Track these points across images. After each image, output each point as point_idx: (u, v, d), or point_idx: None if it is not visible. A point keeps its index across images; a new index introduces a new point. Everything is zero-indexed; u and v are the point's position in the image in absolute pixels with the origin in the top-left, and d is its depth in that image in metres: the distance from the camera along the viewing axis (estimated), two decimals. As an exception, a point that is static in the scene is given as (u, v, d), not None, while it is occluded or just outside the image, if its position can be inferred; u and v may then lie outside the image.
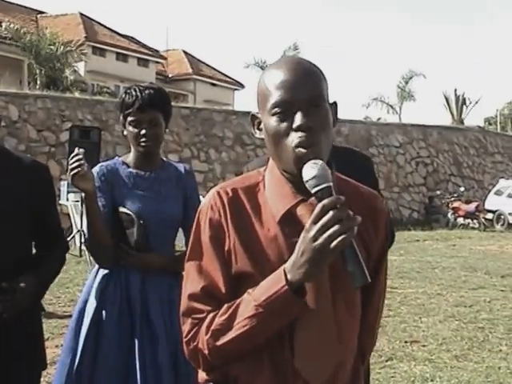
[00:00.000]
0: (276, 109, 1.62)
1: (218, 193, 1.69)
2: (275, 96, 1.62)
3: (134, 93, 2.95)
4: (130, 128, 2.98)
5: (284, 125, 1.61)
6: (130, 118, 2.96)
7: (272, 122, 1.63)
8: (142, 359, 2.87)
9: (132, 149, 3.06)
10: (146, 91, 2.96)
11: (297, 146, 1.59)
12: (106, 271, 3.01)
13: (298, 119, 1.59)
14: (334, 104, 1.70)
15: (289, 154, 1.61)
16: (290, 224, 1.63)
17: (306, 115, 1.60)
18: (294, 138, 1.60)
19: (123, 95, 2.99)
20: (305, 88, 1.62)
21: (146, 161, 3.04)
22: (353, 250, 1.50)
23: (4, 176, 2.56)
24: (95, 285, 3.01)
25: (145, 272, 2.97)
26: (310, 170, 1.55)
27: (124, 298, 2.94)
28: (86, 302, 3.00)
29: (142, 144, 2.98)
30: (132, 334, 2.90)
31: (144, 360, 2.87)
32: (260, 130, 1.71)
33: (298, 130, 1.59)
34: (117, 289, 2.96)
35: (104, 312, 2.94)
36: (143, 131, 2.95)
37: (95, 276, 3.05)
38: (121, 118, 3.02)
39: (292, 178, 1.65)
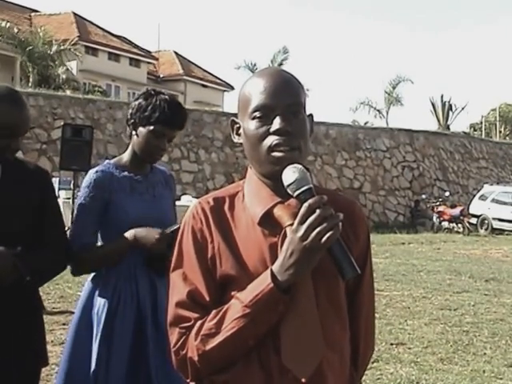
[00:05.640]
0: (256, 113, 1.66)
1: (200, 203, 1.74)
2: (256, 100, 1.67)
3: (169, 107, 2.94)
4: (150, 136, 2.94)
5: (263, 128, 1.65)
6: (153, 128, 2.93)
7: (251, 125, 1.67)
8: (152, 365, 2.86)
9: (129, 151, 3.04)
10: (182, 110, 3.01)
11: (274, 149, 1.64)
12: (110, 279, 2.95)
13: (277, 123, 1.64)
14: (311, 116, 1.75)
15: (266, 157, 1.65)
16: (269, 225, 1.66)
17: (285, 120, 1.64)
18: (272, 140, 1.64)
19: (153, 102, 2.94)
20: (285, 94, 1.67)
21: (142, 165, 3.04)
22: (340, 245, 1.54)
23: (12, 177, 2.60)
24: (98, 291, 2.95)
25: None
26: (290, 175, 1.59)
27: (135, 303, 2.92)
28: (89, 309, 2.94)
29: (157, 156, 3.01)
30: (142, 339, 2.88)
31: (155, 367, 2.86)
32: (239, 135, 1.76)
33: (275, 133, 1.64)
34: (127, 294, 2.92)
35: (115, 320, 2.89)
36: (163, 145, 2.97)
37: (97, 282, 2.99)
38: (135, 119, 2.96)
39: (269, 182, 1.70)
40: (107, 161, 3.09)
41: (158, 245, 2.85)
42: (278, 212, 1.66)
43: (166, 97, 2.97)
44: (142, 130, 2.95)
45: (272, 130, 1.65)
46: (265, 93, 1.67)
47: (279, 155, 1.64)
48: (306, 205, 1.54)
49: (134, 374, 2.87)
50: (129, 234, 2.88)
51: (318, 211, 1.52)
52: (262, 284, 1.58)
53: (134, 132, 2.99)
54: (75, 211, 2.99)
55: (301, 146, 1.67)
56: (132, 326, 2.90)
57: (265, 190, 1.71)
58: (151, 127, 2.93)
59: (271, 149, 1.65)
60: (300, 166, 1.61)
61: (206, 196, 1.78)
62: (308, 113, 1.75)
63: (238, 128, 1.76)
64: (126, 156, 3.07)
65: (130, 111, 3.00)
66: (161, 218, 2.99)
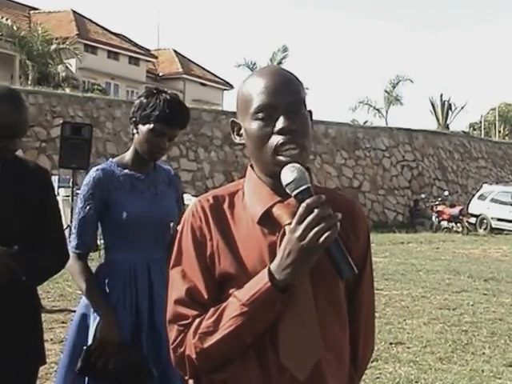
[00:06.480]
0: (259, 113, 1.65)
1: (200, 201, 1.73)
2: (258, 101, 1.66)
3: (169, 106, 2.94)
4: (150, 134, 2.93)
5: (266, 129, 1.64)
6: (153, 126, 2.93)
7: (254, 126, 1.66)
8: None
9: (132, 150, 3.05)
10: (184, 109, 3.02)
11: (279, 149, 1.63)
12: (110, 278, 2.97)
13: (281, 122, 1.63)
14: (310, 112, 1.74)
15: (271, 157, 1.64)
16: (269, 224, 1.66)
17: (288, 119, 1.63)
18: (276, 140, 1.63)
19: (153, 100, 2.94)
20: (286, 93, 1.66)
21: (145, 164, 3.05)
22: (338, 244, 1.54)
23: (11, 177, 2.59)
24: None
25: (151, 270, 2.97)
26: (288, 174, 1.58)
27: (134, 303, 2.93)
28: (90, 306, 2.94)
29: (157, 155, 3.01)
30: (140, 339, 2.91)
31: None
32: (240, 135, 1.74)
33: (279, 132, 1.63)
34: (126, 293, 2.94)
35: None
36: (163, 144, 2.97)
37: (98, 280, 3.00)
38: (136, 117, 2.97)
39: (269, 181, 1.69)
40: (110, 159, 3.11)
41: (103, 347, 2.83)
42: (278, 211, 1.65)
43: (168, 96, 2.97)
44: (142, 128, 2.96)
45: (276, 129, 1.64)
46: (266, 92, 1.66)
47: (285, 160, 1.63)
48: (303, 205, 1.53)
49: None
50: (101, 313, 2.87)
51: (315, 211, 1.52)
52: (259, 283, 1.58)
53: (135, 130, 3.00)
54: (76, 209, 2.99)
55: (305, 143, 1.67)
56: (130, 325, 2.91)
57: (265, 188, 1.70)
58: (151, 126, 2.94)
59: (276, 149, 1.64)
60: (298, 166, 1.60)
61: (205, 194, 1.77)
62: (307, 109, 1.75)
63: (239, 128, 1.75)
64: (128, 154, 3.09)
65: (132, 109, 3.01)
66: (162, 216, 3.00)
